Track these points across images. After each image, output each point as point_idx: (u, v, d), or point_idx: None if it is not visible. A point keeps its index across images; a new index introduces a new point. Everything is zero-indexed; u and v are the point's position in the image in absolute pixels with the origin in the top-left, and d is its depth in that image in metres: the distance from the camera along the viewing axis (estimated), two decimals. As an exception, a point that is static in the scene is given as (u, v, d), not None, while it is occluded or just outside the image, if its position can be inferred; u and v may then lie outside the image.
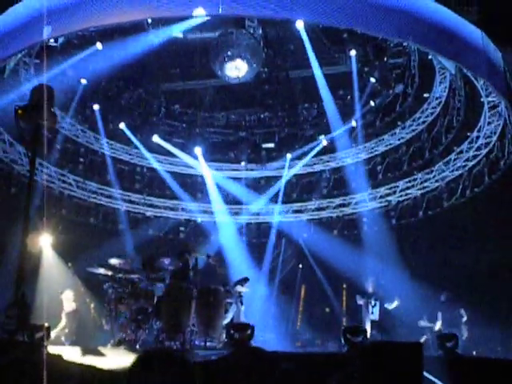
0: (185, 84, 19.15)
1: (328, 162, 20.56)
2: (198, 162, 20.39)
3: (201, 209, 21.00)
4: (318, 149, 19.87)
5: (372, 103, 18.32)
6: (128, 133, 19.29)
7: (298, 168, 20.56)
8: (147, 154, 19.97)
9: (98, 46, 16.21)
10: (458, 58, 13.38)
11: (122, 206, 20.01)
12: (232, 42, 16.19)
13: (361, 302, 13.34)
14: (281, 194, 20.53)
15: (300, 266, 18.61)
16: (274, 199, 20.81)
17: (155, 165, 20.40)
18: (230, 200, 21.21)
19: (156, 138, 19.56)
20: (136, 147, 19.93)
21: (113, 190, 19.81)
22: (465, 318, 13.29)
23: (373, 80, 17.65)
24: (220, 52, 16.38)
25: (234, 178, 21.29)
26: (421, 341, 12.81)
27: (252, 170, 21.21)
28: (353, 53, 16.72)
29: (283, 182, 20.51)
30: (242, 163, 21.08)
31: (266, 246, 20.75)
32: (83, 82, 17.30)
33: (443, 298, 13.95)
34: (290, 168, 20.45)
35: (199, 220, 20.96)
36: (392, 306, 13.66)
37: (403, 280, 15.94)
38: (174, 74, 18.92)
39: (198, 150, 20.15)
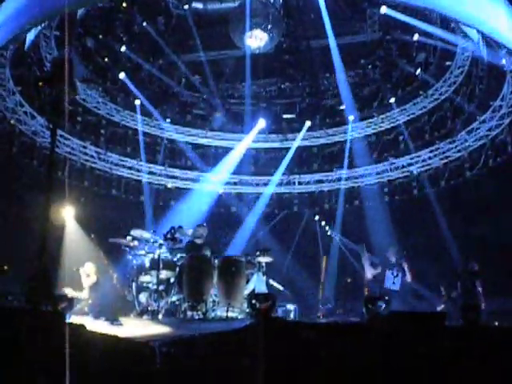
0: (205, 55, 19.05)
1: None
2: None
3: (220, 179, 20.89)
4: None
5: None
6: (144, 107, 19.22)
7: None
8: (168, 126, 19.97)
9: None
10: (481, 25, 13.13)
11: (144, 177, 20.02)
12: (252, 12, 16.07)
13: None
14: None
15: (329, 233, 18.42)
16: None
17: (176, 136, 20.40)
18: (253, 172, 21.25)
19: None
20: (157, 119, 19.92)
21: (134, 161, 19.83)
22: (480, 289, 13.12)
23: (416, 37, 17.04)
24: (240, 22, 16.28)
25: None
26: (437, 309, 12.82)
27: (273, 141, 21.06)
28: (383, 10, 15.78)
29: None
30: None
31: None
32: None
33: (474, 267, 13.58)
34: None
35: (220, 191, 20.86)
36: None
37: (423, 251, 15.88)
38: (194, 45, 18.85)
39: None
